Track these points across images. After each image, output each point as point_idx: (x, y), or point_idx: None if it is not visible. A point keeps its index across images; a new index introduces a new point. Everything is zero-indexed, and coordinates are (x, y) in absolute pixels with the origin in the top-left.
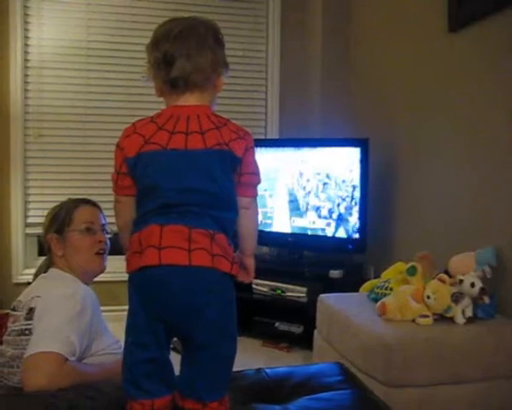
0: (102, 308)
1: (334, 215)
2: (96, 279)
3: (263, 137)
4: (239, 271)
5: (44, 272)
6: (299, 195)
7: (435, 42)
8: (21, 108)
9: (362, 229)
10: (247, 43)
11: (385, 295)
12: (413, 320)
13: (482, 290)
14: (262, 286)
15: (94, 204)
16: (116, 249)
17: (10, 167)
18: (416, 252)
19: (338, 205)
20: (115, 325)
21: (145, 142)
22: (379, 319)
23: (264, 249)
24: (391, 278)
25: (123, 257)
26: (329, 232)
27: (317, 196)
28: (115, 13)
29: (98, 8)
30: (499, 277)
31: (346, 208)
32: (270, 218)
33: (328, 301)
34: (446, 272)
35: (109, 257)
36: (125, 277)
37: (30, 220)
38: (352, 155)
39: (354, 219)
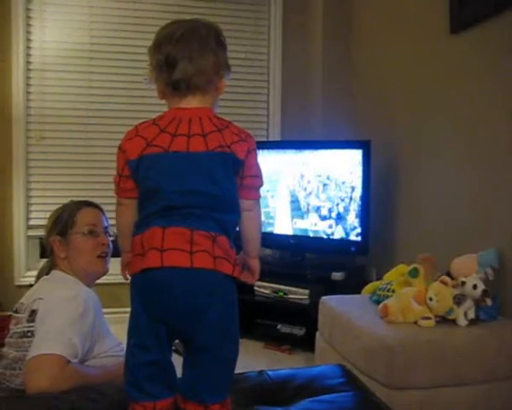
0: (104, 310)
1: (336, 217)
2: (98, 281)
3: (265, 139)
4: (241, 273)
5: (46, 274)
6: (301, 197)
7: (436, 43)
8: (23, 110)
9: (364, 231)
10: (249, 45)
11: (387, 297)
12: (415, 322)
13: (484, 292)
14: (264, 288)
15: (96, 206)
16: (118, 252)
17: (12, 170)
18: (418, 254)
19: (340, 207)
20: (117, 327)
21: (147, 144)
22: (381, 321)
23: (267, 252)
24: (393, 280)
25: None
26: (331, 234)
27: (318, 198)
28: (117, 15)
29: (100, 10)
30: (501, 279)
31: (347, 210)
32: (272, 218)
33: (330, 303)
34: (448, 274)
35: (111, 259)
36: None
37: (32, 222)
38: (354, 156)
39: (356, 221)
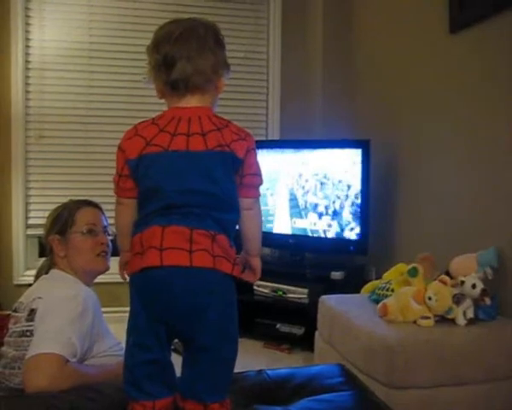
0: (104, 310)
1: (336, 216)
2: (98, 280)
3: (264, 138)
4: (242, 272)
5: (46, 274)
6: (301, 196)
7: (436, 43)
8: (22, 109)
9: (363, 230)
10: (248, 44)
11: (386, 296)
12: (414, 322)
13: (483, 292)
14: (263, 288)
15: (96, 206)
16: (118, 251)
17: (11, 169)
18: (417, 253)
19: (339, 206)
20: (117, 326)
21: (146, 144)
22: (380, 320)
23: (266, 251)
24: (392, 279)
25: None
26: (331, 234)
27: (318, 198)
28: (117, 14)
29: (100, 9)
30: (500, 278)
31: (348, 210)
32: (271, 215)
33: (330, 302)
34: (448, 274)
35: (111, 258)
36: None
37: (31, 222)
38: (354, 156)
39: (355, 221)
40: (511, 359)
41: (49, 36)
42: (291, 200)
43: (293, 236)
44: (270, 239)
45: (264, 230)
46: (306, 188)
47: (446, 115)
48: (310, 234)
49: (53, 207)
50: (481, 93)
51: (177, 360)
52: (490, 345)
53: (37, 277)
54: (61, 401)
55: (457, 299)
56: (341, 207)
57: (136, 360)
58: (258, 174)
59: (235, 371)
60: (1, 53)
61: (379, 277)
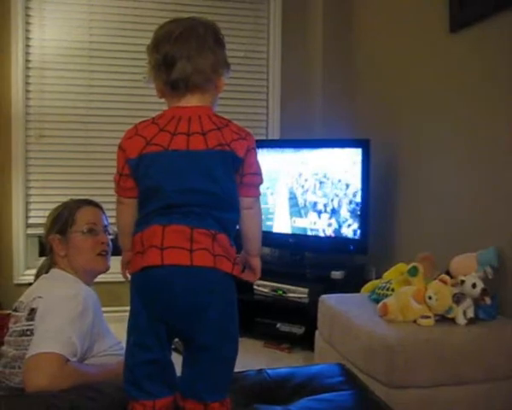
0: (104, 309)
1: (336, 216)
2: (98, 280)
3: (264, 137)
4: (242, 271)
5: (46, 273)
6: (301, 196)
7: (436, 43)
8: (23, 108)
9: (363, 230)
10: (248, 44)
11: (386, 295)
12: (414, 321)
13: (484, 291)
14: (263, 287)
15: (96, 205)
16: (118, 250)
17: (11, 168)
18: (417, 253)
19: (339, 205)
20: (117, 325)
21: (147, 143)
22: (380, 319)
23: (266, 250)
24: (392, 278)
25: None
26: (330, 233)
27: (317, 197)
28: (117, 14)
29: (100, 8)
30: (501, 277)
31: (347, 209)
32: (271, 214)
33: (330, 301)
34: (448, 273)
35: (112, 258)
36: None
37: (31, 221)
38: (354, 155)
39: (356, 220)
40: (511, 358)
41: (50, 35)
42: (291, 199)
43: (293, 235)
44: (270, 239)
45: (264, 229)
46: (306, 187)
47: (446, 115)
48: (310, 233)
49: (53, 206)
50: (481, 93)
51: (177, 360)
52: (490, 345)
53: (37, 276)
54: (62, 400)
55: (457, 298)
56: (341, 207)
57: (137, 360)
58: (258, 173)
59: (236, 370)
60: (1, 52)
61: (379, 276)
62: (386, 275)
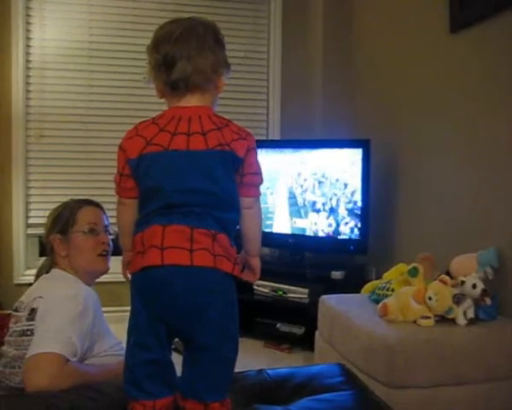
0: (105, 309)
1: (336, 216)
2: (99, 280)
3: (264, 138)
4: (242, 271)
5: (46, 273)
6: (301, 196)
7: (436, 43)
8: (23, 108)
9: (363, 230)
10: (248, 44)
11: (386, 296)
12: (414, 321)
13: (484, 292)
14: (263, 287)
15: (97, 205)
16: (118, 250)
17: (12, 168)
18: (417, 253)
19: (339, 206)
20: (117, 325)
21: (147, 143)
22: (380, 320)
23: (266, 251)
24: (392, 279)
25: None
26: (331, 233)
27: (317, 197)
28: (117, 14)
29: (100, 8)
30: (501, 278)
31: (347, 209)
32: (271, 213)
33: (330, 302)
34: (448, 274)
35: (112, 258)
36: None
37: (31, 221)
38: (354, 155)
39: (356, 220)
40: (511, 359)
41: (50, 35)
42: (291, 200)
43: (293, 235)
44: (270, 239)
45: (264, 229)
46: (307, 188)
47: (446, 115)
48: (310, 234)
49: (53, 206)
50: (481, 93)
51: (177, 360)
52: (490, 345)
53: (37, 276)
54: (62, 400)
55: (458, 299)
56: (341, 207)
57: (137, 360)
58: (258, 173)
59: (236, 370)
60: (1, 52)
61: (379, 277)
62: (387, 275)
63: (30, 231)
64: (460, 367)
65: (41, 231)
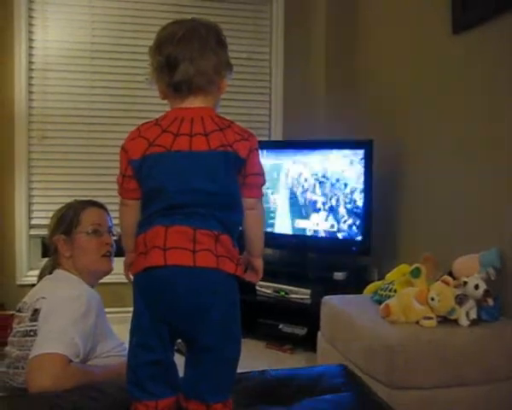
0: (107, 310)
1: (338, 217)
2: (101, 281)
3: (267, 138)
4: (244, 272)
5: (49, 274)
6: (303, 197)
7: (439, 44)
8: (25, 109)
9: (366, 231)
10: (251, 45)
11: (389, 296)
12: (417, 322)
13: (486, 292)
14: (266, 288)
15: (101, 206)
16: (121, 251)
17: (14, 169)
18: (420, 254)
19: (342, 206)
20: (120, 326)
21: (149, 144)
22: (383, 320)
23: (268, 251)
24: (395, 279)
25: None
26: (333, 234)
27: (320, 198)
28: (119, 15)
29: (102, 10)
30: (503, 279)
31: (349, 210)
32: (273, 212)
33: (332, 302)
34: (450, 274)
35: (115, 259)
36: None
37: (34, 222)
38: (356, 156)
39: (358, 221)
40: None
41: (52, 37)
42: (293, 201)
43: (295, 236)
44: (272, 239)
45: (266, 230)
46: (309, 188)
47: (449, 116)
48: (312, 234)
49: (56, 207)
50: (484, 94)
51: (179, 361)
52: (492, 346)
53: (40, 277)
54: (64, 400)
55: (460, 300)
56: (344, 208)
57: (140, 361)
58: (260, 174)
59: (238, 371)
60: (4, 54)
61: (381, 277)
62: (389, 276)
63: (32, 231)
64: (462, 368)
65: (44, 231)
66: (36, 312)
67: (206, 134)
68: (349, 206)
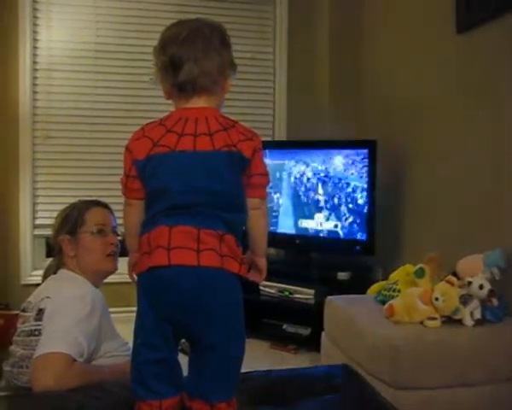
0: (111, 310)
1: (342, 216)
2: (105, 280)
3: (270, 138)
4: (247, 272)
5: (54, 273)
6: (307, 197)
7: (443, 43)
8: (30, 109)
9: (370, 230)
10: (254, 45)
11: (392, 297)
12: (421, 322)
13: (491, 292)
14: (270, 288)
15: (105, 206)
16: (126, 251)
17: (19, 169)
18: (424, 254)
19: (346, 206)
20: (124, 326)
21: (154, 144)
22: (386, 321)
23: (272, 251)
24: (399, 279)
25: None
26: (337, 234)
27: (324, 198)
28: (123, 15)
29: (106, 10)
30: (507, 279)
31: (353, 210)
32: (277, 212)
33: (336, 303)
34: (454, 274)
35: (119, 259)
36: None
37: (38, 222)
38: (360, 156)
39: (362, 221)
40: None
41: (57, 37)
42: (297, 200)
43: (299, 236)
44: (276, 239)
45: (270, 230)
46: (313, 188)
47: (453, 115)
48: (316, 234)
49: (60, 207)
50: (489, 94)
51: (183, 360)
52: (497, 346)
53: (44, 277)
54: (68, 400)
55: (464, 300)
56: (348, 208)
57: (144, 360)
58: (265, 174)
59: (242, 371)
60: (9, 54)
61: (386, 277)
62: (393, 276)
63: (37, 231)
64: (466, 368)
65: (48, 231)
66: (40, 311)
67: (210, 134)
68: (353, 206)
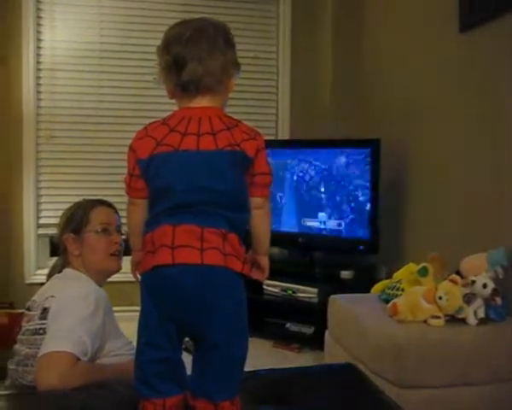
0: (115, 309)
1: (345, 215)
2: (109, 279)
3: (273, 138)
4: (250, 270)
5: (59, 272)
6: (310, 195)
7: (445, 43)
8: (34, 109)
9: (373, 229)
10: (257, 44)
11: (396, 295)
12: (424, 321)
13: (494, 291)
14: (273, 287)
15: (110, 205)
16: (129, 250)
17: (23, 168)
18: (428, 252)
19: (349, 205)
20: (127, 325)
21: (157, 144)
22: (390, 319)
23: (275, 250)
24: (402, 278)
25: None
26: (341, 233)
27: (327, 197)
28: (127, 15)
29: (110, 10)
30: (510, 278)
31: (357, 209)
32: (280, 210)
33: (339, 301)
34: (458, 273)
35: (123, 258)
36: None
37: (42, 221)
38: (363, 155)
39: (366, 220)
40: None
41: (60, 37)
42: (300, 199)
43: (302, 235)
44: (279, 238)
45: (273, 228)
46: (316, 187)
47: (456, 114)
48: (319, 233)
49: (64, 206)
50: (492, 94)
51: (187, 360)
52: (499, 346)
53: (49, 276)
54: (72, 398)
55: (468, 298)
56: (350, 206)
57: (147, 359)
58: (268, 173)
59: (246, 370)
60: (13, 54)
61: (389, 276)
62: (397, 275)
63: (41, 231)
64: (470, 367)
65: (52, 231)
66: (45, 310)
67: (213, 133)
68: (356, 204)
